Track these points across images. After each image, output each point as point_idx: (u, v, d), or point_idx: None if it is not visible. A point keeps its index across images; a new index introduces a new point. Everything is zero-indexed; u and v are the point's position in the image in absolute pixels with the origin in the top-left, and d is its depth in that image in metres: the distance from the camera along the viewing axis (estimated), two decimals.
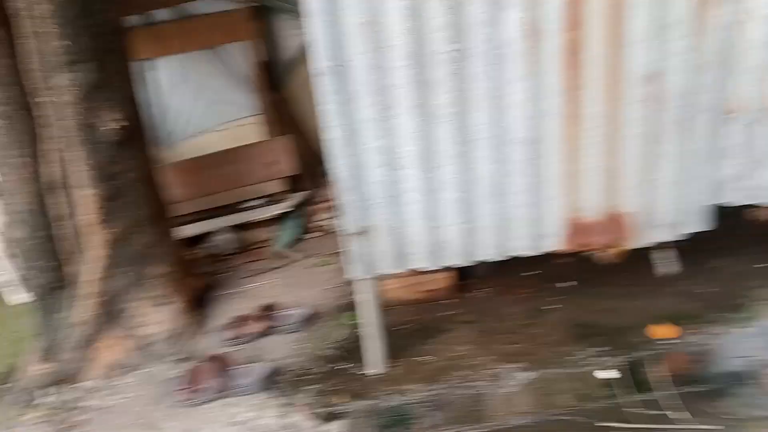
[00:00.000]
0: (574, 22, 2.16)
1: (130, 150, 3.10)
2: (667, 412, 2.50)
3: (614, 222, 2.53)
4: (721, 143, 2.51)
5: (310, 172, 4.65)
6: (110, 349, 3.16)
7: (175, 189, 4.29)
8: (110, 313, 3.18)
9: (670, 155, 2.42)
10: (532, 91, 2.27)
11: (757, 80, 2.43)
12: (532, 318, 3.04)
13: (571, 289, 3.21)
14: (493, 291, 3.33)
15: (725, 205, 2.72)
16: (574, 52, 2.21)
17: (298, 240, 4.46)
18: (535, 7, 2.14)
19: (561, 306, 3.10)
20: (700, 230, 2.67)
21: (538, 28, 2.17)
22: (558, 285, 3.26)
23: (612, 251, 2.90)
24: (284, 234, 4.43)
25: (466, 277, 3.40)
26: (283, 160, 4.60)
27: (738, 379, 2.71)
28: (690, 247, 2.99)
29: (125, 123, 3.02)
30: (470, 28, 2.16)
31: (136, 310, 3.22)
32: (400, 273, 2.62)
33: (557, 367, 2.68)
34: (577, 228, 2.54)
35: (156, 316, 3.24)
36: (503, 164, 2.40)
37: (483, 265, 3.22)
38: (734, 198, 2.67)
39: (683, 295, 3.02)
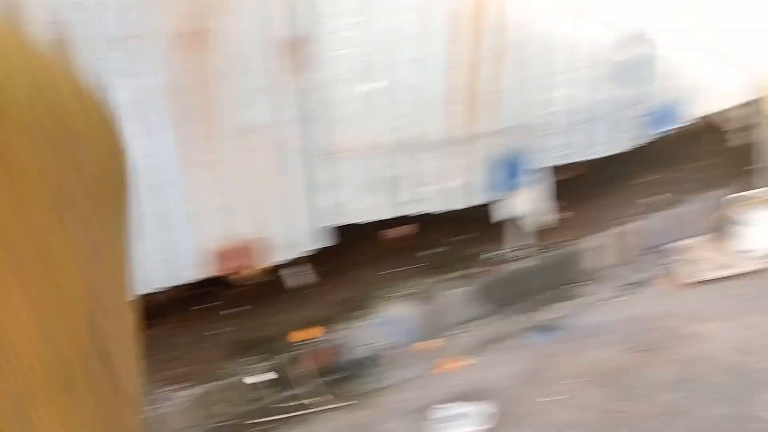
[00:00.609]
0: (190, 86, 2.64)
1: None
2: (310, 400, 3.08)
3: (244, 248, 3.05)
4: (329, 177, 3.21)
5: None
6: None
7: None
8: None
9: (278, 191, 3.03)
10: (151, 147, 2.67)
11: (349, 127, 3.18)
12: (199, 343, 3.41)
13: (234, 313, 3.67)
14: (168, 326, 3.61)
15: (351, 223, 3.43)
16: (184, 111, 2.68)
17: None
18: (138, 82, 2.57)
19: (226, 328, 3.53)
20: (321, 247, 3.34)
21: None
22: (223, 312, 3.69)
23: (253, 272, 3.43)
24: None
25: (145, 318, 3.64)
26: None
27: (368, 362, 3.43)
28: (330, 262, 3.67)
29: None
30: None
31: None
32: None
33: (216, 381, 3.08)
34: (215, 256, 3.00)
35: None
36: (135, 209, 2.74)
37: (160, 304, 3.51)
38: (348, 219, 3.39)
39: (324, 301, 3.67)
